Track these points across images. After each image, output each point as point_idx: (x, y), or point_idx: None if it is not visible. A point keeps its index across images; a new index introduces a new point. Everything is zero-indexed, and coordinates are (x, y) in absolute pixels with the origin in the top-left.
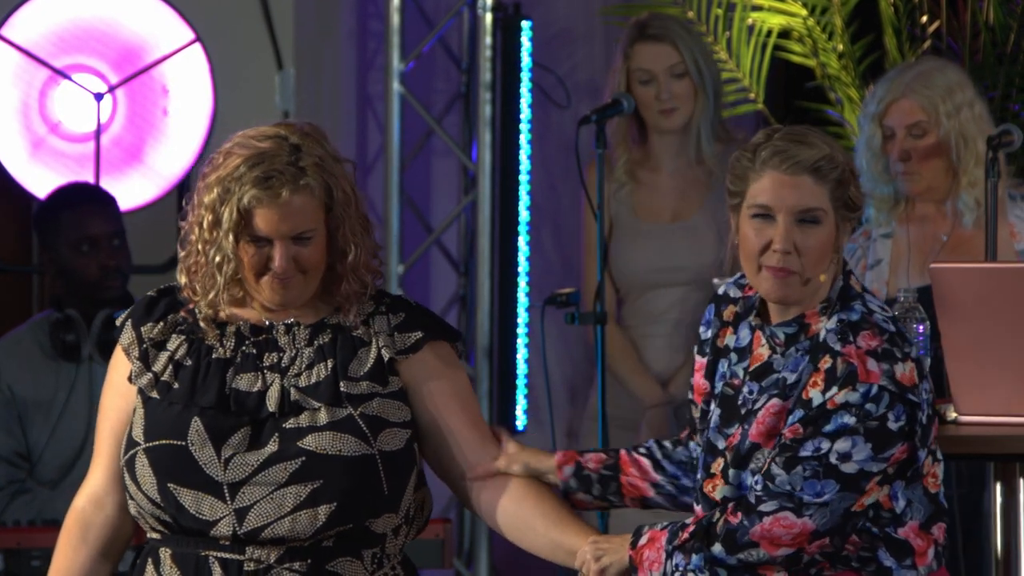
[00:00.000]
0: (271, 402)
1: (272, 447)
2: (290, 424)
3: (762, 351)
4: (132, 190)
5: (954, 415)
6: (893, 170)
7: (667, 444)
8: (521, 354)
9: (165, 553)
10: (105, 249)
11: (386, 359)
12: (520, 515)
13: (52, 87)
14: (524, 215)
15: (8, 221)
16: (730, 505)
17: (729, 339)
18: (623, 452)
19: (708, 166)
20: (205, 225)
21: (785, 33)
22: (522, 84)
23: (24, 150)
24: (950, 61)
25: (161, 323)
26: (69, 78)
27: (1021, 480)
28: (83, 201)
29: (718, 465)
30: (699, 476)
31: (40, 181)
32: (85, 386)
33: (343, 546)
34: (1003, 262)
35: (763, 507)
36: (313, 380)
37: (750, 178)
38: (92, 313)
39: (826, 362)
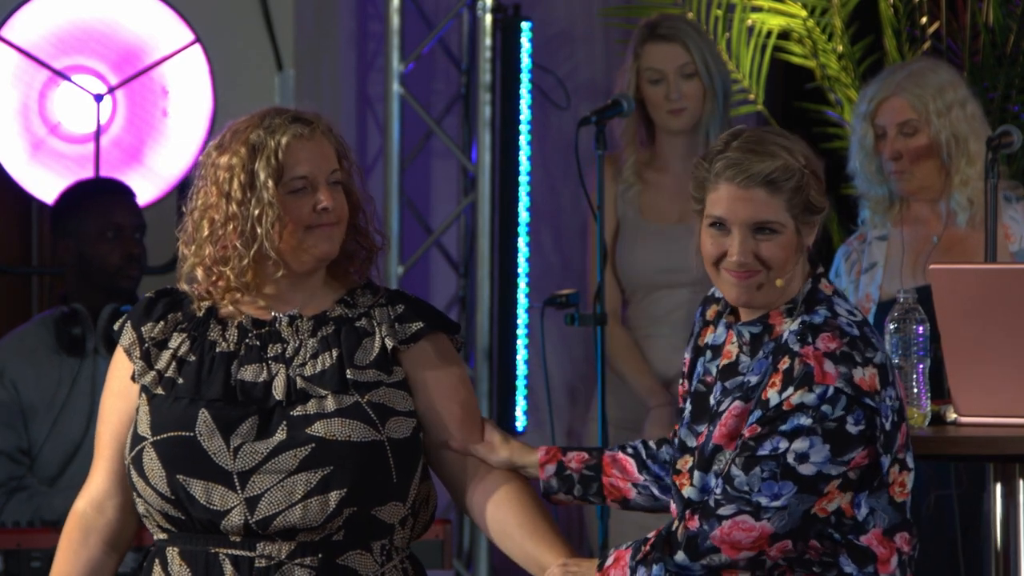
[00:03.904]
0: (278, 391)
1: (281, 435)
2: (297, 412)
3: (731, 348)
4: None
5: (954, 416)
6: (886, 170)
7: (652, 444)
8: (521, 355)
9: (173, 552)
10: (129, 239)
11: (389, 348)
12: (500, 520)
13: (52, 88)
14: (524, 216)
15: (8, 222)
16: (687, 511)
17: (709, 337)
18: (606, 453)
19: None
20: (234, 191)
21: (785, 34)
22: (522, 85)
23: (24, 151)
24: (943, 61)
25: (161, 322)
26: (69, 79)
27: (1021, 481)
28: (109, 191)
29: (685, 463)
30: (671, 472)
31: (40, 182)
32: (88, 380)
33: (353, 539)
34: (1002, 263)
35: (721, 511)
36: (319, 369)
37: (707, 187)
38: (99, 307)
39: (784, 363)
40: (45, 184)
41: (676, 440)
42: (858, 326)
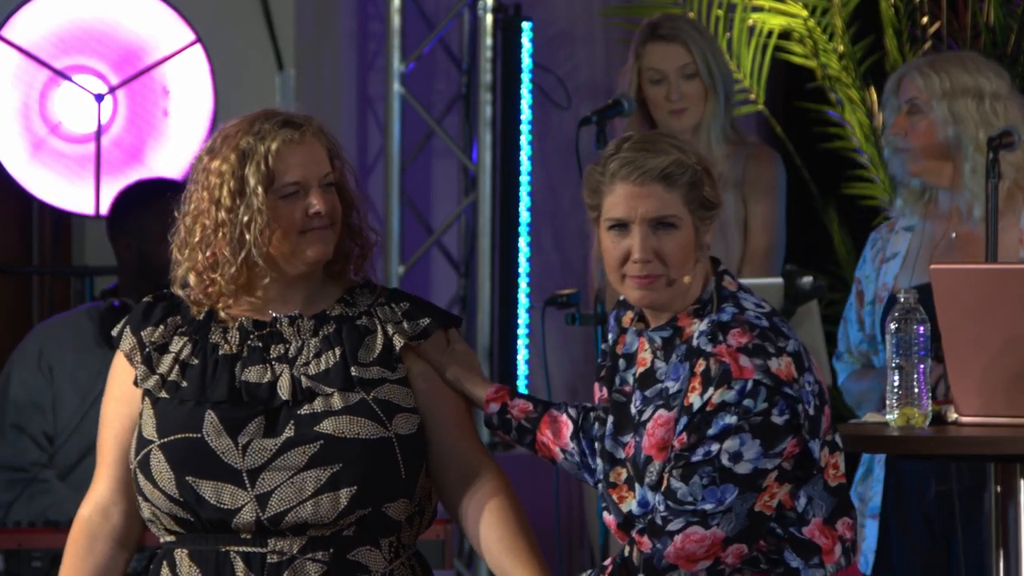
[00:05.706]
0: (283, 391)
1: (289, 432)
2: (305, 410)
3: (645, 356)
4: None
5: (954, 415)
6: (896, 147)
7: (591, 416)
8: (521, 355)
9: (181, 554)
10: None
11: (398, 347)
12: (483, 533)
13: (52, 88)
14: (524, 216)
15: (8, 222)
16: (635, 534)
17: (623, 346)
18: (548, 412)
19: (717, 167)
20: (223, 198)
21: (786, 34)
22: (522, 85)
23: (24, 151)
24: (989, 60)
25: (161, 327)
26: (69, 79)
27: (1021, 481)
28: (172, 191)
29: (619, 475)
30: (599, 484)
31: (40, 182)
32: None
33: (362, 535)
34: (1003, 263)
35: (671, 527)
36: (323, 367)
37: (603, 191)
38: None
39: (700, 365)
40: (45, 184)
41: (600, 451)
42: (767, 317)
